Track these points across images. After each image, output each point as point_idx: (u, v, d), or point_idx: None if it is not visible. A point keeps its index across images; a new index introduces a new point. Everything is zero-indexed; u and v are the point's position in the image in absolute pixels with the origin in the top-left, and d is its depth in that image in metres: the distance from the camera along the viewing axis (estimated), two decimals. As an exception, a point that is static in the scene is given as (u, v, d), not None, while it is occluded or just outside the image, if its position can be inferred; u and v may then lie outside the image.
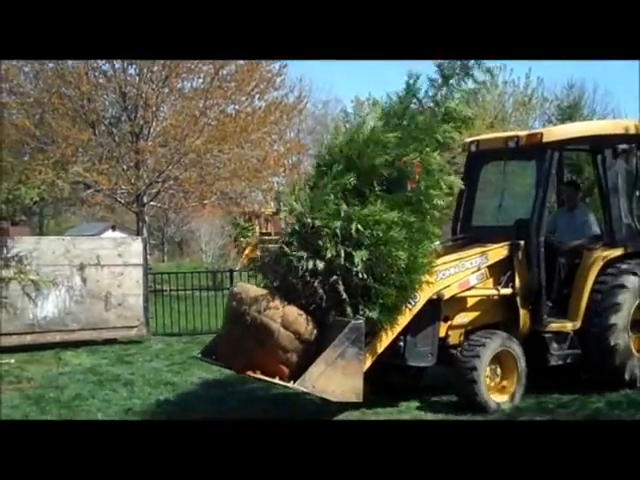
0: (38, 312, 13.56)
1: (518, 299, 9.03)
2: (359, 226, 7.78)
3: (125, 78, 23.85)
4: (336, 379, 7.48)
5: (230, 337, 8.06)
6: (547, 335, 9.11)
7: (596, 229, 9.84)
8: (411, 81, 8.84)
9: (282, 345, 7.63)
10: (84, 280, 14.09)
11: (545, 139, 9.10)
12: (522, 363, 8.72)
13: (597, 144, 9.63)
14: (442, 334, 8.79)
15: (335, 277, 7.72)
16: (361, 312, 7.72)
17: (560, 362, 9.18)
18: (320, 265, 7.71)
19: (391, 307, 7.89)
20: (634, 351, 9.32)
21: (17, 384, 10.77)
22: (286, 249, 7.94)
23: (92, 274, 14.16)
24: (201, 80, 24.64)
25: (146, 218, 26.22)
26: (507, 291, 9.01)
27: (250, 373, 7.76)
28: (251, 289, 7.96)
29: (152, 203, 26.15)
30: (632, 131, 9.59)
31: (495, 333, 8.75)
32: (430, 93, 8.85)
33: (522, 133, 9.58)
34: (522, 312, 9.05)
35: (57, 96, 23.04)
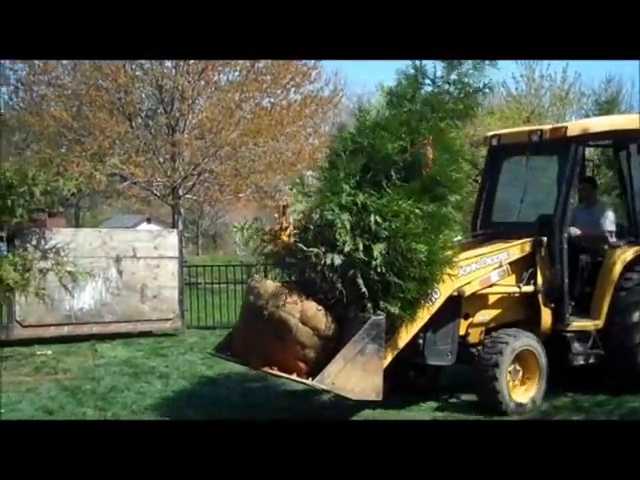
0: (75, 303, 13.72)
1: (540, 297, 8.82)
2: (377, 218, 7.58)
3: (162, 71, 24.04)
4: (355, 376, 7.29)
5: (247, 332, 7.88)
6: (569, 334, 8.91)
7: (612, 225, 9.59)
8: (417, 63, 8.58)
9: (300, 341, 7.44)
10: (120, 272, 14.23)
11: (569, 133, 8.89)
12: (543, 363, 8.53)
13: (622, 139, 9.41)
14: (462, 332, 8.58)
15: (353, 271, 7.54)
16: (382, 307, 7.52)
17: (582, 362, 8.99)
18: (338, 259, 7.51)
19: (412, 301, 7.67)
20: None
21: (54, 375, 10.84)
22: (302, 244, 7.78)
23: (128, 266, 14.27)
24: (237, 73, 24.86)
25: (181, 211, 26.52)
26: (529, 289, 8.80)
27: (267, 369, 7.57)
28: (269, 283, 7.78)
29: (187, 196, 26.32)
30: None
31: (517, 331, 8.55)
32: (443, 74, 8.58)
33: (546, 127, 9.36)
34: (544, 310, 8.84)
35: (95, 88, 23.38)
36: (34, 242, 12.53)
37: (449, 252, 7.92)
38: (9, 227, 12.31)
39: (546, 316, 8.86)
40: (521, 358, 8.44)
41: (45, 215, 13.52)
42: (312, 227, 7.70)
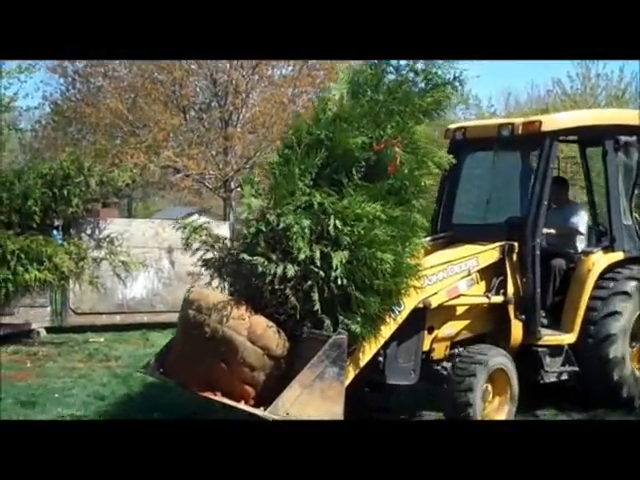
0: (127, 293, 14.09)
1: (510, 308, 7.96)
2: (337, 222, 6.63)
3: (216, 65, 23.95)
4: (313, 404, 6.28)
5: (184, 351, 6.83)
6: (540, 349, 8.09)
7: (584, 226, 8.79)
8: None
9: (248, 362, 6.45)
10: (172, 263, 14.52)
11: (544, 128, 8.05)
12: (515, 382, 7.68)
13: (599, 135, 8.60)
14: (426, 347, 7.68)
15: (310, 283, 6.58)
16: (341, 324, 6.59)
17: (554, 380, 8.20)
18: (292, 270, 6.55)
19: (375, 317, 6.75)
20: (633, 366, 8.40)
21: (106, 362, 11.13)
22: (249, 252, 6.77)
23: (180, 257, 14.10)
24: (290, 68, 24.74)
25: (233, 204, 26.17)
26: (498, 299, 7.93)
27: (209, 395, 6.56)
28: (211, 295, 6.74)
29: (239, 189, 25.89)
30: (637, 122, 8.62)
31: (489, 349, 7.67)
32: (408, 62, 7.64)
33: (517, 120, 8.49)
34: (514, 323, 7.99)
35: (150, 81, 23.58)
36: (88, 232, 13.03)
37: (416, 262, 7.02)
38: (65, 216, 12.67)
39: (516, 329, 8.02)
40: (493, 377, 7.56)
41: (99, 205, 13.81)
42: (264, 231, 6.70)
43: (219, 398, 6.52)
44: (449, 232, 8.70)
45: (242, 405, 6.41)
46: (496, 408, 7.63)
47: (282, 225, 6.59)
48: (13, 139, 24.68)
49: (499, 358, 7.60)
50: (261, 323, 6.52)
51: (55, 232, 12.83)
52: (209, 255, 7.28)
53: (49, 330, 13.32)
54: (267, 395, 6.45)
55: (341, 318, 6.60)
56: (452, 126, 8.99)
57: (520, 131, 8.14)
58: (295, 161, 6.93)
